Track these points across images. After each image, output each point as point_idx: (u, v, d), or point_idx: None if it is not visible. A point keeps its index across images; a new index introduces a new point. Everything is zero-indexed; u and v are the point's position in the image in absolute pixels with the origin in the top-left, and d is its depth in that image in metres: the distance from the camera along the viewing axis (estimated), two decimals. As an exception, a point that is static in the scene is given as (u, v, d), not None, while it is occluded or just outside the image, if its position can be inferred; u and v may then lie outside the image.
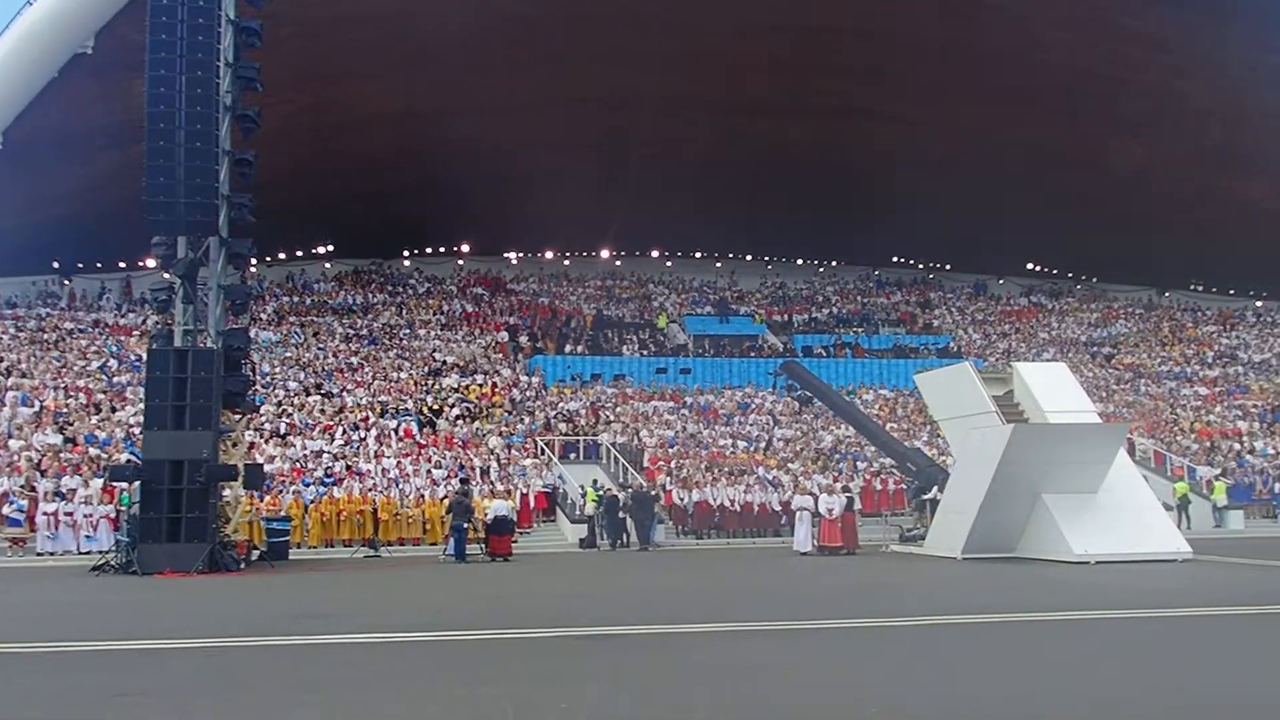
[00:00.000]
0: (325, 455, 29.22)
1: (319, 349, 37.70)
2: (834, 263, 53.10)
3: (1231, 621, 12.64)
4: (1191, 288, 52.71)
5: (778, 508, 28.57)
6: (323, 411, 32.15)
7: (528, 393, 36.22)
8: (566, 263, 50.32)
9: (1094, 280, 53.42)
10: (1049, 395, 23.60)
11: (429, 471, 28.74)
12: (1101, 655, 10.48)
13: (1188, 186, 43.40)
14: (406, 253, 48.29)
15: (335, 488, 27.10)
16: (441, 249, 48.71)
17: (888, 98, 40.34)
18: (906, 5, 35.76)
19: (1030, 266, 53.17)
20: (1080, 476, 21.30)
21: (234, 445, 22.46)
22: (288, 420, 31.19)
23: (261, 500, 25.11)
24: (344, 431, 30.81)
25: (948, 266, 53.30)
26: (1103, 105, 40.31)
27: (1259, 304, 51.11)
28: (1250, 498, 32.70)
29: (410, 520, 26.87)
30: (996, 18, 36.55)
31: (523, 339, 41.49)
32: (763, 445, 33.58)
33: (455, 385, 35.44)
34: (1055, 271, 53.36)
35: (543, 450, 31.66)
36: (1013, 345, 44.91)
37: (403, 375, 36.09)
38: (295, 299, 42.47)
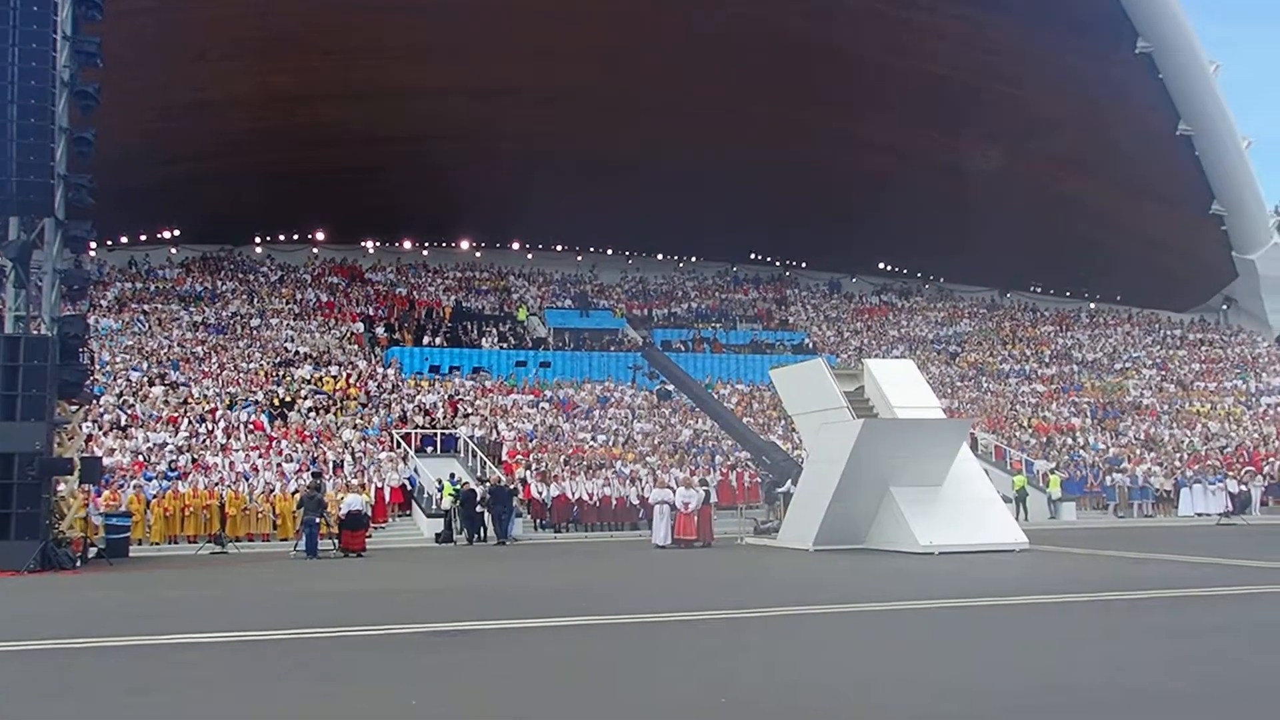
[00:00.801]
0: (169, 448, 28.09)
1: (163, 338, 36.22)
2: (694, 258, 53.77)
3: (1064, 608, 13.27)
4: (1031, 289, 55.24)
5: (636, 501, 28.80)
6: (166, 403, 30.88)
7: (384, 385, 35.53)
8: (425, 253, 49.59)
9: (941, 281, 55.48)
10: (897, 391, 24.33)
11: (280, 465, 27.92)
12: (943, 642, 10.87)
13: (1030, 192, 45.43)
14: (258, 239, 46.79)
15: (180, 482, 26.07)
16: (295, 236, 47.40)
17: (749, 97, 41.02)
18: (772, 6, 36.47)
19: (882, 266, 54.89)
20: (926, 470, 22.05)
21: (70, 437, 21.41)
22: (129, 411, 29.86)
23: (99, 495, 23.97)
24: (189, 424, 29.67)
25: (804, 264, 54.57)
26: (952, 111, 41.83)
27: (1092, 305, 53.90)
28: (1082, 490, 34.43)
29: (260, 515, 26.06)
30: (859, 22, 37.57)
31: (379, 330, 40.68)
32: (621, 439, 33.74)
33: (308, 376, 34.52)
34: (905, 271, 55.23)
35: (399, 443, 31.13)
36: (864, 342, 46.24)
37: (253, 366, 34.97)
38: (138, 285, 40.68)
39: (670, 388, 37.56)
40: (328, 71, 36.45)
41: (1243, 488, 33.94)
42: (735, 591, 15.67)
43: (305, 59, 35.47)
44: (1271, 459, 36.48)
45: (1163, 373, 45.62)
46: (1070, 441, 37.81)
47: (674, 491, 25.08)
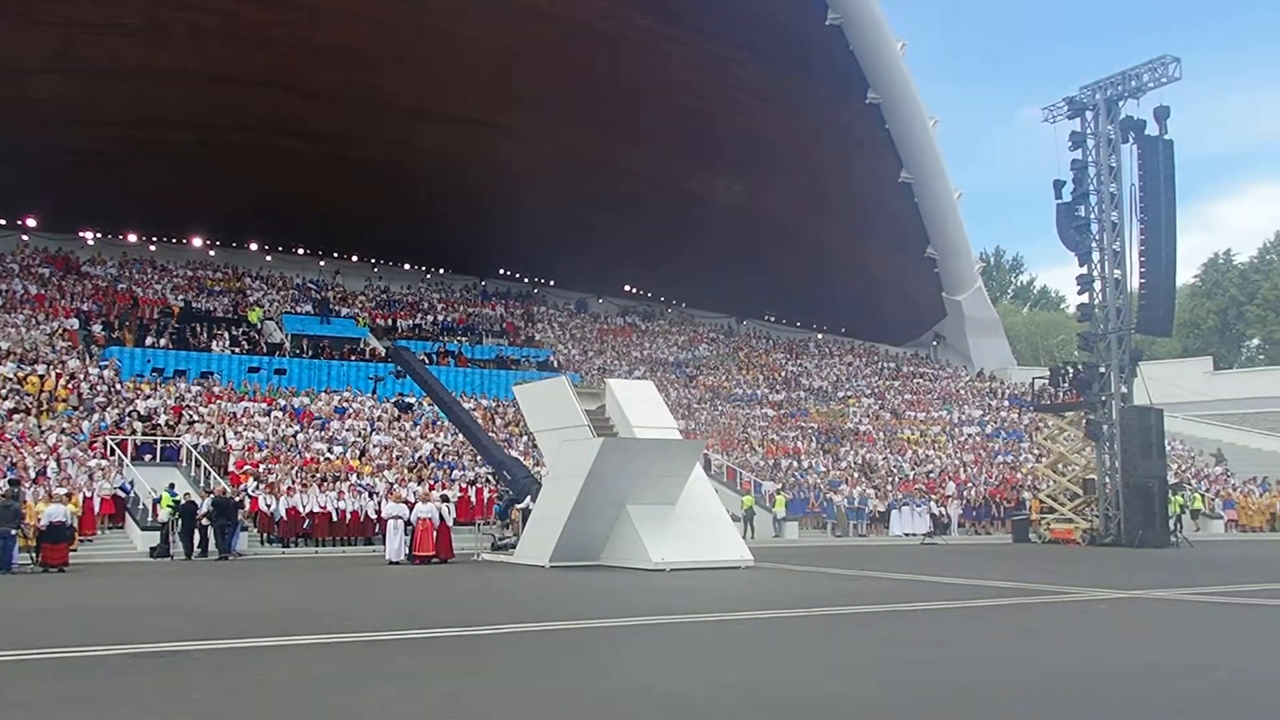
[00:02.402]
0: None
1: None
2: (441, 270, 53.14)
3: (785, 621, 13.92)
4: (765, 318, 57.99)
5: (372, 515, 28.04)
6: None
7: (99, 387, 33.01)
8: (152, 248, 46.56)
9: (683, 306, 57.34)
10: (637, 411, 24.92)
11: (-29, 471, 25.37)
12: (672, 656, 11.16)
13: (766, 226, 47.73)
14: (-42, 223, 42.59)
15: None
16: (3, 221, 43.39)
17: (506, 113, 41.08)
18: (537, 28, 36.73)
19: (628, 288, 56.13)
20: (661, 488, 22.64)
21: None
22: None
23: None
24: None
25: (552, 282, 55.03)
26: (699, 143, 43.41)
27: (820, 336, 57.16)
28: (804, 510, 36.31)
29: (-57, 526, 23.55)
30: (619, 48, 38.40)
31: (96, 328, 37.81)
32: (359, 451, 32.79)
33: (11, 375, 31.60)
34: (650, 295, 56.70)
35: (113, 450, 28.99)
36: (608, 362, 47.04)
37: (-56, 361, 31.70)
38: None
39: (411, 400, 36.89)
40: (44, 44, 33.72)
41: (943, 510, 36.85)
42: (466, 609, 15.52)
43: (15, 28, 32.66)
44: (969, 484, 39.75)
45: (879, 402, 48.87)
46: (796, 464, 39.81)
47: (410, 506, 24.61)
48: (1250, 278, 75.68)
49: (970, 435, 46.00)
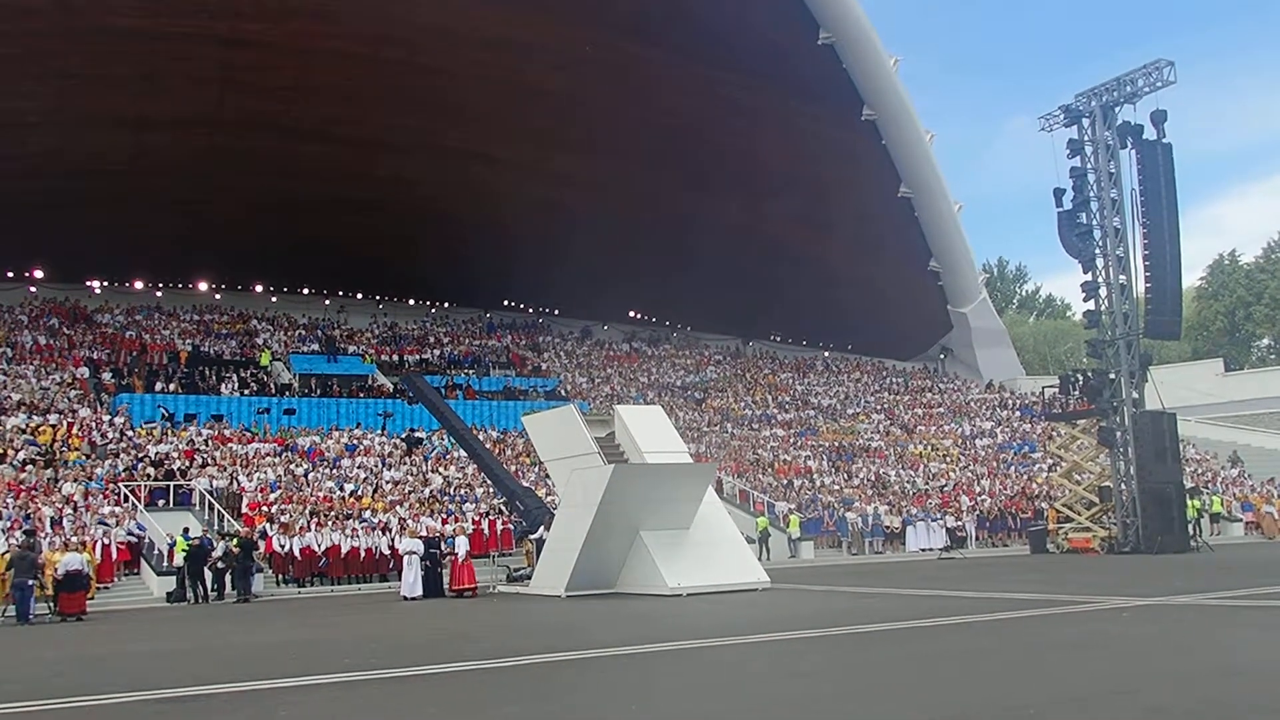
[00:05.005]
0: None
1: None
2: (446, 304, 53.31)
3: (802, 643, 13.84)
4: (771, 338, 57.99)
5: (386, 552, 28.02)
6: None
7: (110, 434, 33.10)
8: (159, 294, 46.80)
9: (688, 329, 57.38)
10: (647, 436, 24.88)
11: (-14, 523, 25.41)
12: (698, 681, 11.10)
13: (766, 246, 47.79)
14: (-34, 277, 42.87)
15: None
16: (10, 274, 43.68)
17: (505, 143, 41.30)
18: (522, 56, 36.98)
19: (632, 314, 56.21)
20: (674, 513, 22.56)
21: None
22: None
23: None
24: (-124, 479, 26.59)
25: (556, 312, 55.15)
26: (699, 167, 43.57)
27: (827, 354, 57.14)
28: (819, 529, 36.17)
29: (-39, 580, 23.57)
30: (614, 79, 38.61)
31: (106, 375, 37.95)
32: (371, 488, 32.80)
33: (23, 426, 31.70)
34: (654, 320, 56.78)
35: (126, 497, 29.03)
36: (616, 388, 47.04)
37: (-44, 414, 31.80)
38: None
39: (421, 434, 36.93)
40: (39, 98, 34.11)
41: (960, 523, 36.67)
42: (486, 642, 15.46)
43: (9, 83, 33.06)
44: (984, 497, 39.58)
45: (889, 417, 48.76)
46: (808, 483, 39.68)
47: (424, 541, 24.60)
48: (1256, 278, 75.54)
49: (982, 447, 45.85)
